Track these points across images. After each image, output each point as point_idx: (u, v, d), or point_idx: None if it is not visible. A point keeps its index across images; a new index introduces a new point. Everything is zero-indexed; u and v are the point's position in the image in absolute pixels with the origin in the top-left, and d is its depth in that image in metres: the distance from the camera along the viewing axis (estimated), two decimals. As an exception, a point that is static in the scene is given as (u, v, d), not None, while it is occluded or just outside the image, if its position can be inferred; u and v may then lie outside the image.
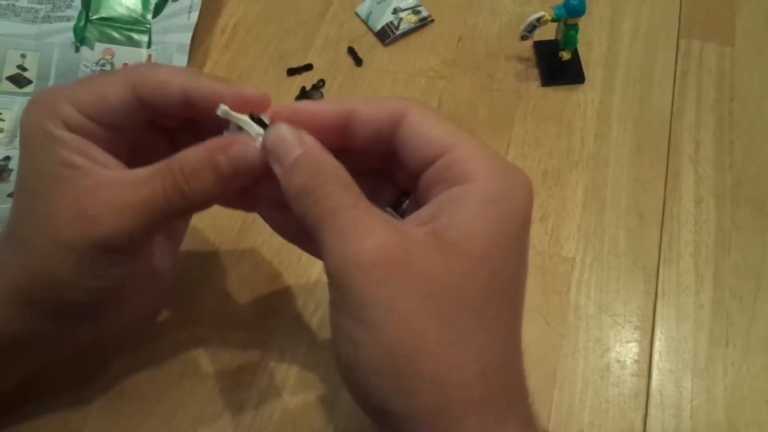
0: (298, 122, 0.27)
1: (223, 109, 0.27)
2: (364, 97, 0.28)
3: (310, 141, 0.27)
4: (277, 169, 0.27)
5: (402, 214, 0.29)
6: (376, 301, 0.23)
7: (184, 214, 0.30)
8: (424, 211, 0.26)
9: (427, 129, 0.27)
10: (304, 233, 0.27)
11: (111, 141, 0.30)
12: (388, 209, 0.30)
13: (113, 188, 0.28)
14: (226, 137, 0.28)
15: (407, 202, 0.30)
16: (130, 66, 0.31)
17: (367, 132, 0.28)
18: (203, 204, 0.29)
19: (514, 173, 0.26)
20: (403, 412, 0.23)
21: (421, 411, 0.23)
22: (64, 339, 0.32)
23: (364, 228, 0.24)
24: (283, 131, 0.27)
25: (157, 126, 0.32)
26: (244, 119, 0.28)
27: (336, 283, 0.24)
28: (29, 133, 0.29)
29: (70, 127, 0.28)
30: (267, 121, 0.28)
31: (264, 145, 0.27)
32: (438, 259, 0.24)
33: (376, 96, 0.28)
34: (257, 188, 0.29)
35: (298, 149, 0.26)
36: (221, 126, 0.29)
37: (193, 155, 0.28)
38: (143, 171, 0.28)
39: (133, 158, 0.31)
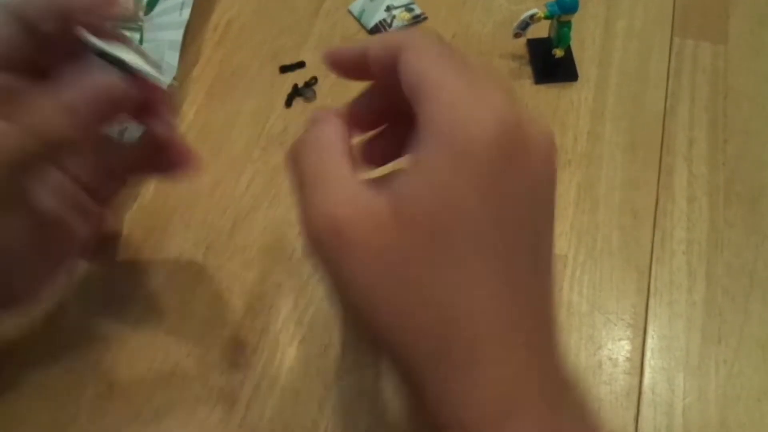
0: (334, 63, 0.29)
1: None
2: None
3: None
4: None
5: None
6: (333, 264, 0.24)
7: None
8: (398, 163, 0.26)
9: (410, 68, 0.24)
10: None
11: None
12: None
13: None
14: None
15: None
16: None
17: (377, 70, 0.26)
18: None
19: (481, 101, 0.22)
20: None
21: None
22: None
23: (320, 192, 0.24)
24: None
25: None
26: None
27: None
28: None
29: None
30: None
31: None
32: (380, 232, 0.23)
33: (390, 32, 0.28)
34: None
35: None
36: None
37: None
38: None
39: None
